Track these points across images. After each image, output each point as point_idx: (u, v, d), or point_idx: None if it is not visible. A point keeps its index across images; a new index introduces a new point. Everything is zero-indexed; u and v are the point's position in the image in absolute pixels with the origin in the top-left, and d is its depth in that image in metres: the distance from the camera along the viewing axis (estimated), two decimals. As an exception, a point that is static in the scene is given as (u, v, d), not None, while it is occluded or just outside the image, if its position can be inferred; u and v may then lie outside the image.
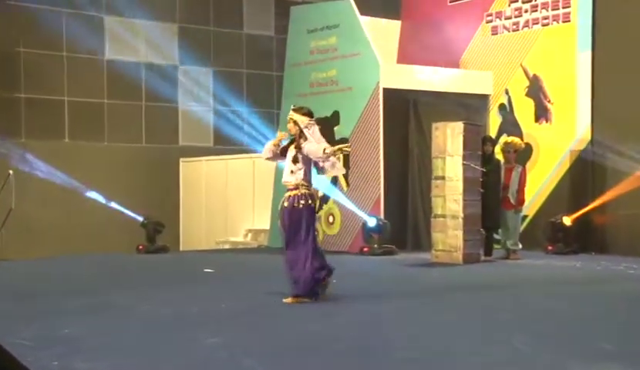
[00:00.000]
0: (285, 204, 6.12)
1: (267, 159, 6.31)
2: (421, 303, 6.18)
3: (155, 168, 14.40)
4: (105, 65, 14.27)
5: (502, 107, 11.64)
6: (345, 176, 11.15)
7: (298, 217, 6.02)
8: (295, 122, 6.20)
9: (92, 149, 14.00)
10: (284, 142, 6.23)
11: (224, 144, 15.23)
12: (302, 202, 6.07)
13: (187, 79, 15.13)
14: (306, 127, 6.17)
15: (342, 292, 6.68)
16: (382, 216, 10.54)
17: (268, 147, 6.31)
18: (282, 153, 6.26)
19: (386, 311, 5.78)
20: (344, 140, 11.21)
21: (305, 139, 6.15)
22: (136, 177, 14.29)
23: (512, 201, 9.56)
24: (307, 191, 6.11)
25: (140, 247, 10.98)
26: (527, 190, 9.84)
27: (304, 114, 6.23)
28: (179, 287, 7.19)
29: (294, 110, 6.26)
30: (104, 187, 13.96)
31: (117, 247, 12.81)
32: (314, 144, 6.09)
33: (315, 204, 6.18)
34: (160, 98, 14.77)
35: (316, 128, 6.22)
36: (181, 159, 14.49)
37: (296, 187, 6.10)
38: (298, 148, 6.15)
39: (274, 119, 15.29)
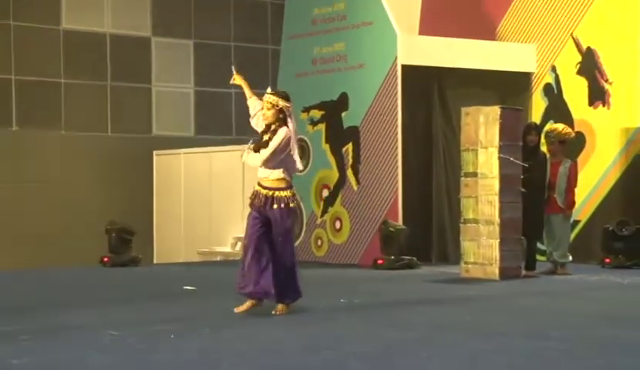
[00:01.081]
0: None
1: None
2: (446, 329, 6.16)
3: (123, 162, 14.40)
4: (61, 37, 14.27)
5: (548, 88, 11.61)
6: (355, 173, 11.14)
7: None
8: (275, 107, 6.34)
9: (46, 139, 14.00)
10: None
11: (208, 133, 15.24)
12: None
13: (162, 53, 15.13)
14: (289, 115, 6.41)
15: (352, 315, 6.65)
16: (400, 221, 10.53)
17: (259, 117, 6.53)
18: (257, 150, 6.45)
19: (403, 339, 5.76)
20: (353, 129, 11.21)
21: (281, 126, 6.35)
22: (99, 173, 14.29)
23: (559, 203, 9.53)
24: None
25: (105, 258, 10.99)
26: (578, 189, 9.80)
27: (287, 99, 6.45)
28: (152, 309, 7.18)
29: (277, 96, 6.42)
30: (60, 185, 13.95)
31: (77, 258, 12.81)
32: (262, 154, 6.37)
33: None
34: (130, 77, 14.77)
35: (292, 115, 6.50)
36: (155, 152, 14.48)
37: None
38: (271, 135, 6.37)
39: (268, 103, 15.23)
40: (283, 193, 6.39)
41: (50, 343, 5.63)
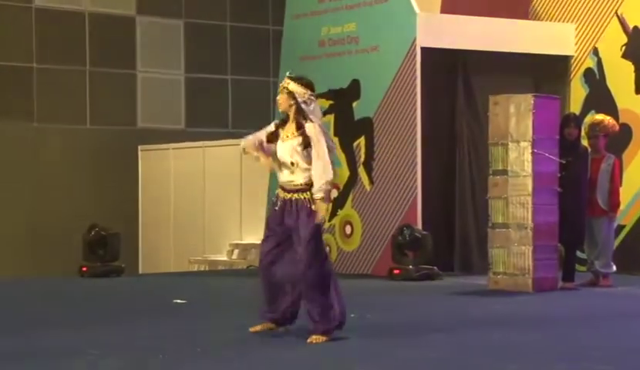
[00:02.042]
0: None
1: (247, 152, 6.43)
2: (471, 349, 6.18)
3: (104, 158, 14.46)
4: (34, 16, 14.34)
5: (589, 73, 11.60)
6: (368, 170, 11.16)
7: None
8: (291, 94, 6.27)
9: (17, 132, 14.07)
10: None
11: (201, 126, 15.29)
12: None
13: (148, 34, 15.17)
14: (305, 102, 6.26)
15: (363, 332, 6.68)
16: (419, 225, 10.55)
17: (253, 141, 6.42)
18: (270, 140, 6.33)
19: (422, 360, 5.78)
20: (366, 121, 11.23)
21: (305, 118, 6.24)
22: (77, 171, 14.34)
23: (602, 205, 9.53)
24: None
25: (84, 268, 11.05)
26: (622, 189, 9.80)
27: (304, 85, 6.32)
28: (138, 326, 7.22)
29: (291, 78, 6.32)
30: (32, 185, 14.01)
31: (51, 267, 12.86)
32: (321, 164, 6.18)
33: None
34: (111, 61, 14.83)
35: (317, 107, 6.37)
36: (140, 147, 14.53)
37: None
38: (301, 129, 6.21)
39: (269, 91, 15.31)
40: (302, 195, 6.26)
41: (22, 365, 5.65)
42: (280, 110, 6.43)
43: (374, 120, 11.13)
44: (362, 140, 11.26)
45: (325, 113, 11.64)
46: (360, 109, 11.30)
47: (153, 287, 10.30)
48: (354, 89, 11.34)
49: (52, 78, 14.34)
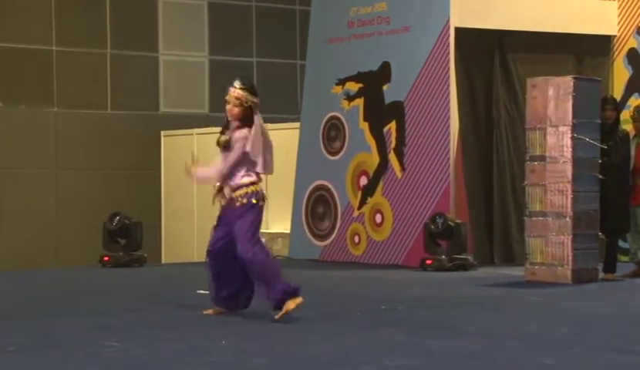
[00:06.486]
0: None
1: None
2: (505, 340, 6.18)
3: (126, 144, 14.55)
4: (53, -3, 14.42)
5: (632, 54, 11.52)
6: (399, 157, 11.15)
7: None
8: (241, 103, 6.88)
9: (36, 117, 14.17)
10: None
11: (225, 110, 15.29)
12: None
13: (171, 15, 15.23)
14: (256, 114, 6.89)
15: (394, 324, 6.70)
16: (452, 213, 10.54)
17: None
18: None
19: (454, 352, 5.80)
20: (397, 105, 11.21)
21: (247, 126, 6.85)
22: (98, 158, 14.44)
23: (645, 192, 9.49)
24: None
25: (105, 257, 11.15)
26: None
27: (253, 93, 6.95)
28: (160, 317, 7.28)
29: (242, 88, 6.90)
30: (52, 172, 14.13)
31: (72, 257, 12.97)
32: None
33: None
34: (133, 44, 14.90)
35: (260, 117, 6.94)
36: (163, 133, 14.61)
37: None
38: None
39: (295, 73, 15.34)
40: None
41: (42, 355, 5.72)
42: (230, 117, 7.01)
43: (405, 104, 11.12)
44: (392, 125, 11.24)
45: (354, 97, 11.67)
46: (391, 92, 11.29)
47: (176, 278, 10.38)
48: (384, 72, 11.33)
49: (72, 61, 14.42)
